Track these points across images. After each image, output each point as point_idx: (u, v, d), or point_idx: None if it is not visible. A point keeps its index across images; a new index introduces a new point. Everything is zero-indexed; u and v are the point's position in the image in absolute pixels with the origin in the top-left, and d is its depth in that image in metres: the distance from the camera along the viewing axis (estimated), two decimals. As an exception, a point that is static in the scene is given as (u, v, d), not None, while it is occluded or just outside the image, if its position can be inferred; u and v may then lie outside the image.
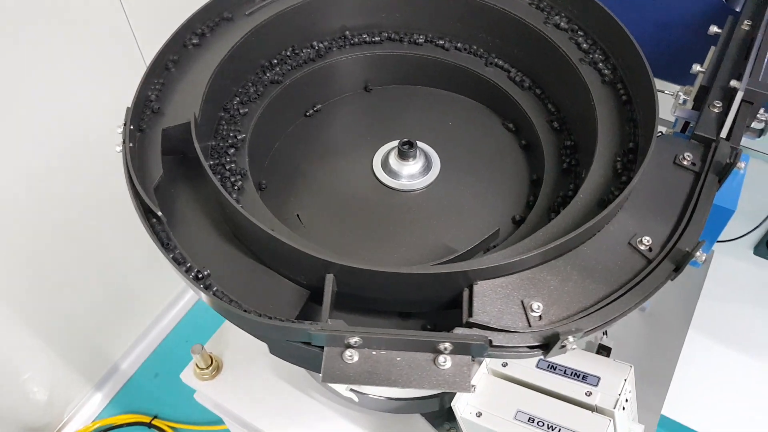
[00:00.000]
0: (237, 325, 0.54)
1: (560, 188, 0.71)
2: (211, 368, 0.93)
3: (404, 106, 0.86)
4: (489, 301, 0.52)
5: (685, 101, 0.80)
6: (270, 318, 0.50)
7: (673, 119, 0.91)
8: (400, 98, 0.87)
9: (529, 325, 0.51)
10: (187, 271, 0.55)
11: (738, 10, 0.90)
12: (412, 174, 0.76)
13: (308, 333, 0.47)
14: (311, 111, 0.85)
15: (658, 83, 0.95)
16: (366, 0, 0.82)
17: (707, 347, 1.51)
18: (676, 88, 0.77)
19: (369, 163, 0.78)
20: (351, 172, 0.78)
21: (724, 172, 0.61)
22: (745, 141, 1.07)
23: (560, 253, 0.55)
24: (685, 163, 0.63)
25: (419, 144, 0.76)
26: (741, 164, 0.61)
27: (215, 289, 0.54)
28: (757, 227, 0.97)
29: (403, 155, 0.75)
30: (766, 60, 0.78)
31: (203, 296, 0.53)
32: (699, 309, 1.24)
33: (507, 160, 0.80)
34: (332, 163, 0.79)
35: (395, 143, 0.76)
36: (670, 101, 0.77)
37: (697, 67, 0.80)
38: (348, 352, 0.48)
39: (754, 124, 0.74)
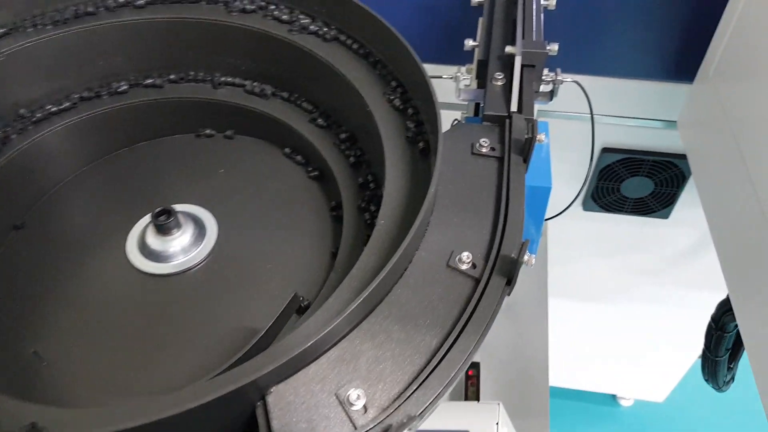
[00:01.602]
0: None
1: (360, 185, 0.61)
2: None
3: (149, 168, 0.68)
4: (292, 410, 0.38)
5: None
6: None
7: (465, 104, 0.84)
8: (139, 161, 0.69)
9: (355, 428, 0.37)
10: None
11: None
12: (182, 248, 0.60)
13: None
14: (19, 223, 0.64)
15: (439, 68, 0.87)
16: (33, 65, 0.63)
17: (570, 308, 1.52)
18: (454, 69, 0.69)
19: (122, 253, 0.60)
20: (100, 273, 0.59)
21: (526, 149, 0.53)
22: (544, 106, 1.04)
23: (370, 309, 0.43)
24: (483, 150, 0.54)
25: (180, 208, 0.60)
26: (541, 136, 0.53)
27: None
28: (578, 195, 0.94)
29: (162, 230, 0.58)
30: (534, 18, 0.73)
31: None
32: (551, 277, 1.22)
33: (292, 187, 0.67)
34: (72, 270, 0.60)
35: (149, 218, 0.59)
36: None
37: (470, 42, 0.73)
38: None
39: (543, 88, 0.68)
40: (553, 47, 0.67)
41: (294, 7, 0.66)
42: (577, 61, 0.97)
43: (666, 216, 1.24)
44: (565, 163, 1.05)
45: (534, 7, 0.74)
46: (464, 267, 0.45)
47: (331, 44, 0.63)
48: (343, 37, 0.63)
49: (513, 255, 0.44)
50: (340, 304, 0.44)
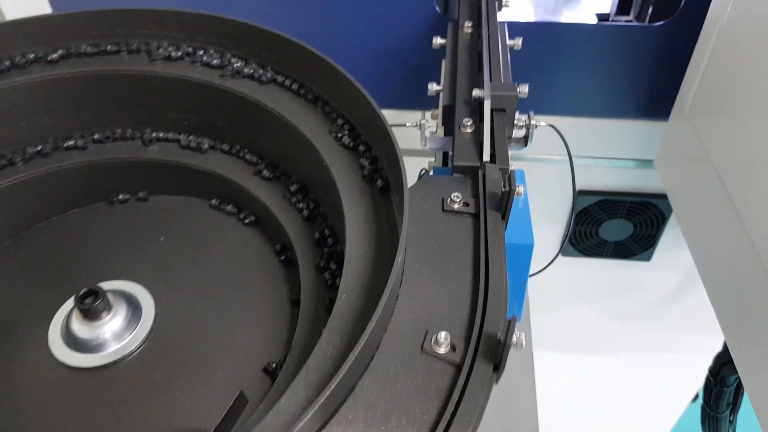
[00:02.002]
0: None
1: (316, 241, 0.55)
2: None
3: (70, 244, 0.60)
4: None
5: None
6: None
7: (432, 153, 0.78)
8: (59, 236, 0.61)
9: None
10: None
11: (456, 16, 0.81)
12: (114, 334, 0.51)
13: None
14: None
15: (401, 114, 0.81)
16: None
17: (556, 360, 1.45)
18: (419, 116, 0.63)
19: (44, 344, 0.51)
20: (19, 369, 0.50)
21: (503, 203, 0.47)
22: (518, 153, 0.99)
23: (329, 415, 0.35)
24: (456, 206, 0.48)
25: (108, 287, 0.51)
26: (519, 188, 0.46)
27: None
28: (562, 248, 0.89)
29: (89, 314, 0.50)
30: (500, 59, 0.68)
31: None
32: (534, 327, 1.15)
33: (229, 240, 0.60)
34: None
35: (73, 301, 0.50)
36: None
37: (434, 87, 0.68)
38: None
39: (516, 133, 0.62)
40: (524, 89, 0.62)
41: (224, 50, 0.60)
42: (545, 102, 0.93)
43: (648, 258, 1.19)
44: (537, 208, 1.00)
45: (499, 47, 0.70)
46: (442, 350, 0.38)
47: (269, 86, 0.59)
48: (280, 78, 0.58)
49: (499, 335, 0.37)
50: (294, 406, 0.36)
